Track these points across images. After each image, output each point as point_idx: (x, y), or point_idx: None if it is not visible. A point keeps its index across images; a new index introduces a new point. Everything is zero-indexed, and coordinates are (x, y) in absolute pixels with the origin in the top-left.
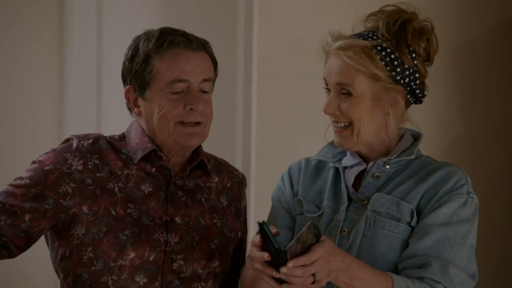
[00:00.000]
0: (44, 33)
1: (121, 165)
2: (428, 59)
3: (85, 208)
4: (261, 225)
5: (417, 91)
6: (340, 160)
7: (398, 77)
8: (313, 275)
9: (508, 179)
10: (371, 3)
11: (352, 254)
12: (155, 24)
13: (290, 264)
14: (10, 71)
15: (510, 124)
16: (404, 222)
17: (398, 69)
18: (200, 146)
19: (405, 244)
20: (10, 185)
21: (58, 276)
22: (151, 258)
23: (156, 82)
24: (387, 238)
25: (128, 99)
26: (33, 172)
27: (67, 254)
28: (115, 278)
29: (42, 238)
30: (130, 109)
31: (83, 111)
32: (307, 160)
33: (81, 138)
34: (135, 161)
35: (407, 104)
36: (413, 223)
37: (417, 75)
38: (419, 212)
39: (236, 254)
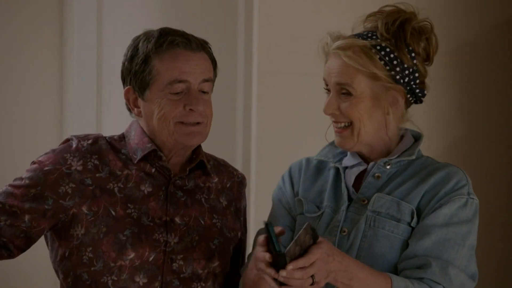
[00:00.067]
0: (44, 33)
1: (121, 166)
2: (427, 58)
3: (84, 209)
4: (266, 225)
5: (417, 90)
6: (340, 160)
7: (398, 77)
8: (312, 276)
9: (508, 179)
10: (371, 4)
11: (352, 254)
12: (155, 24)
13: (290, 267)
14: (10, 71)
15: (510, 124)
16: (404, 223)
17: (398, 69)
18: (199, 146)
19: (405, 245)
20: (10, 185)
21: (58, 276)
22: (150, 258)
23: (156, 82)
24: (387, 238)
25: (127, 100)
26: (32, 172)
27: (66, 254)
28: (115, 278)
29: (42, 238)
30: (129, 110)
31: (83, 111)
32: (308, 160)
33: (80, 138)
34: (135, 161)
35: (407, 104)
36: (413, 224)
37: (416, 74)
38: (419, 213)
39: (236, 254)
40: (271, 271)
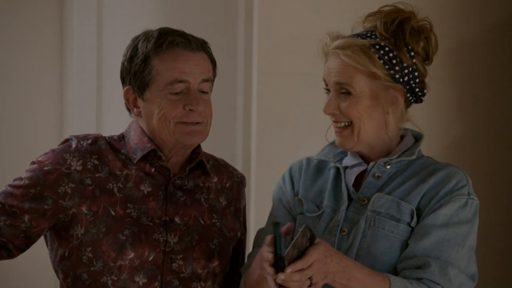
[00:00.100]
0: (44, 33)
1: (120, 165)
2: (427, 58)
3: (84, 209)
4: (274, 225)
5: (417, 89)
6: (341, 160)
7: (397, 76)
8: (310, 278)
9: (508, 179)
10: (371, 4)
11: (351, 254)
12: (155, 24)
13: (289, 270)
14: (10, 71)
15: (510, 124)
16: (404, 223)
17: (397, 68)
18: (199, 146)
19: (405, 245)
20: (10, 185)
21: (58, 276)
22: (150, 258)
23: (156, 82)
24: (386, 238)
25: (127, 100)
26: (32, 172)
27: (66, 254)
28: (115, 278)
29: (42, 238)
30: (129, 110)
31: (83, 111)
32: (308, 159)
33: (80, 138)
34: (134, 161)
35: (407, 103)
36: (413, 224)
37: (416, 73)
38: (419, 213)
39: (236, 254)
40: (271, 271)
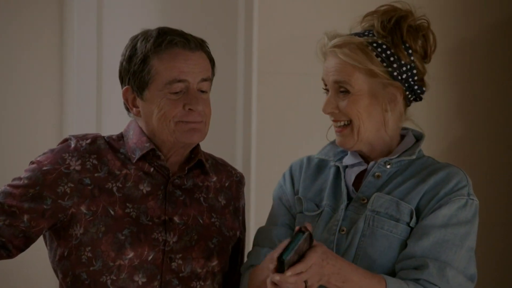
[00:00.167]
0: (44, 33)
1: (120, 165)
2: (425, 56)
3: (83, 208)
4: (298, 231)
5: (416, 87)
6: (341, 159)
7: (395, 73)
8: (305, 281)
9: (508, 179)
10: (371, 4)
11: (350, 253)
12: (155, 24)
13: (288, 273)
14: (10, 71)
15: (510, 124)
16: (403, 223)
17: (395, 65)
18: (198, 146)
19: (404, 245)
20: (9, 185)
21: (57, 276)
22: (149, 258)
23: (155, 82)
24: (385, 238)
25: (126, 99)
26: (31, 172)
27: (65, 254)
28: (114, 278)
29: (41, 238)
30: (128, 109)
31: (83, 111)
32: (309, 158)
33: (79, 138)
34: (133, 161)
35: (407, 101)
36: (412, 224)
37: (414, 71)
38: (419, 213)
39: (235, 253)
40: (272, 267)
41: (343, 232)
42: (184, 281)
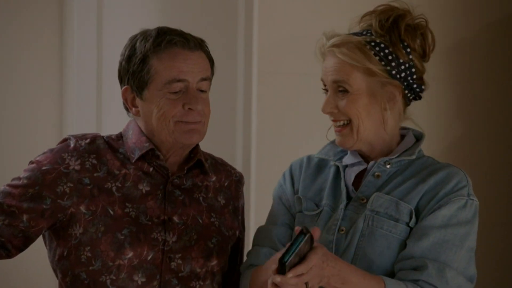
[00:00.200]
0: (44, 33)
1: (119, 165)
2: (424, 54)
3: (83, 208)
4: (300, 232)
5: (415, 85)
6: (341, 158)
7: (394, 72)
8: (306, 283)
9: (508, 179)
10: (371, 4)
11: (349, 253)
12: (155, 24)
13: (290, 275)
14: (10, 71)
15: (510, 124)
16: (403, 223)
17: (393, 64)
18: (197, 145)
19: (403, 244)
20: (8, 185)
21: (56, 276)
22: (149, 258)
23: (154, 82)
24: (385, 238)
25: (125, 99)
26: (30, 172)
27: (65, 254)
28: (113, 278)
29: (41, 238)
30: (127, 109)
31: (83, 111)
32: (309, 158)
33: (78, 138)
34: (133, 161)
35: (406, 100)
36: (411, 224)
37: (413, 69)
38: (418, 213)
39: (234, 253)
40: (273, 268)
41: (342, 232)
42: (183, 280)
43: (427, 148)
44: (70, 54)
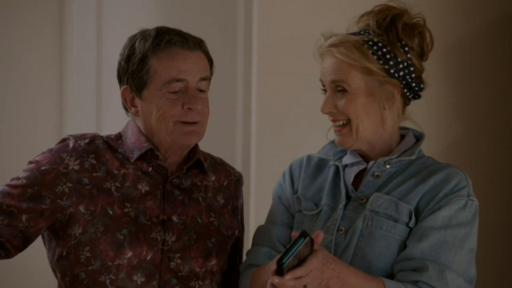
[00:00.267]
0: (44, 33)
1: (118, 165)
2: (422, 54)
3: (82, 208)
4: (300, 235)
5: (413, 84)
6: (340, 158)
7: (392, 70)
8: (305, 285)
9: (508, 179)
10: (370, 4)
11: (349, 253)
12: (155, 24)
13: (288, 277)
14: (10, 71)
15: (510, 124)
16: (402, 223)
17: (391, 62)
18: (196, 145)
19: (403, 245)
20: (7, 185)
21: (56, 276)
22: (148, 257)
23: (154, 81)
24: (384, 238)
25: (124, 99)
26: (29, 172)
27: (64, 254)
28: (113, 278)
29: (40, 238)
30: (126, 109)
31: (83, 111)
32: (309, 157)
33: (77, 138)
34: (132, 161)
35: (406, 99)
36: (411, 224)
37: (411, 68)
38: (418, 213)
39: (234, 252)
40: (272, 268)
41: (342, 232)
42: (183, 280)
43: (427, 148)
44: (70, 54)
